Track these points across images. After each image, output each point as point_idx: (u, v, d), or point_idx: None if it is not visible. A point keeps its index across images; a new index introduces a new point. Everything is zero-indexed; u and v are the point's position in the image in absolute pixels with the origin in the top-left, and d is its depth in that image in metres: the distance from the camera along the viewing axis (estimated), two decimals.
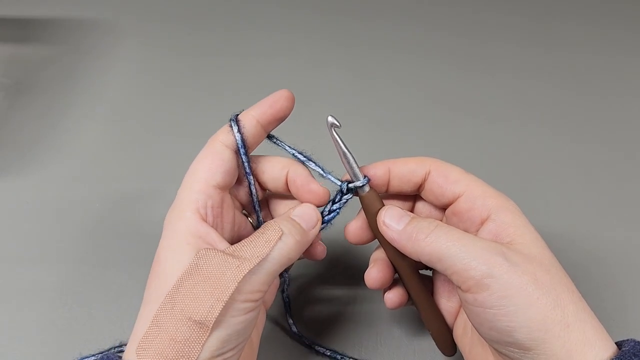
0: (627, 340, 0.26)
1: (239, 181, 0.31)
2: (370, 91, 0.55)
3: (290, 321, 0.37)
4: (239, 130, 0.29)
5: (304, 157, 0.31)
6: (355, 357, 0.37)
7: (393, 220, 0.29)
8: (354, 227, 0.32)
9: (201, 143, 0.49)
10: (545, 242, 0.28)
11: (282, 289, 0.37)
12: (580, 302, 0.26)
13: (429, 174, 0.31)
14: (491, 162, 0.49)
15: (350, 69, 0.57)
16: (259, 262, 0.26)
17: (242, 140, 0.29)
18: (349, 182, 0.31)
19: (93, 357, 0.34)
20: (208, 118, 0.52)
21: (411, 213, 0.30)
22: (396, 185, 0.31)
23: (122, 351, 0.34)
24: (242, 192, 0.31)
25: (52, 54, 0.58)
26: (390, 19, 0.63)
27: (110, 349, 0.35)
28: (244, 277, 0.25)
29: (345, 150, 0.30)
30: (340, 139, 0.30)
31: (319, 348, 0.36)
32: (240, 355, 0.27)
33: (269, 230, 0.27)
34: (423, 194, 0.32)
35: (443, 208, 0.32)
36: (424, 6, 0.65)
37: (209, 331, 0.24)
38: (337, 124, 0.30)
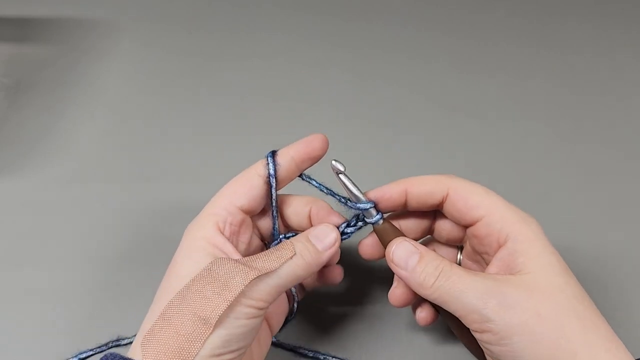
0: None
1: (264, 212, 0.33)
2: (370, 93, 0.55)
3: None
4: (273, 162, 0.31)
5: (328, 190, 0.33)
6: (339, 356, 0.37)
7: (401, 261, 0.30)
8: (368, 244, 0.34)
9: (201, 143, 0.50)
10: (563, 264, 0.29)
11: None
12: (591, 328, 0.27)
13: (447, 195, 0.31)
14: (493, 163, 0.49)
15: (351, 71, 0.57)
16: (267, 272, 0.27)
17: (274, 171, 0.31)
18: (364, 216, 0.32)
19: (91, 352, 0.35)
20: (208, 118, 0.52)
21: (421, 246, 0.31)
22: (414, 206, 0.32)
23: (119, 345, 0.36)
24: (266, 224, 0.33)
25: (52, 54, 0.58)
26: (391, 21, 0.63)
27: (108, 342, 0.36)
28: (250, 282, 0.27)
29: (357, 193, 0.32)
30: (350, 181, 0.32)
31: (302, 350, 0.37)
32: None
33: (283, 248, 0.29)
34: (444, 211, 0.32)
35: (464, 226, 0.32)
36: (426, 8, 0.65)
37: (211, 328, 0.26)
38: (342, 169, 0.31)
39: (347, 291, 0.40)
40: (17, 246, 0.42)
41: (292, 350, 0.37)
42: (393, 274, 0.32)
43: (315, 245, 0.30)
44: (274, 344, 0.37)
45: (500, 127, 0.52)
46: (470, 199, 0.31)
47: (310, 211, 0.33)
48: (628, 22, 0.64)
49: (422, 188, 0.32)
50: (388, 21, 0.63)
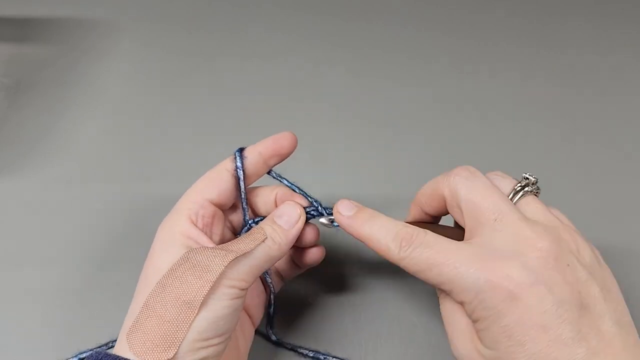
0: None
1: (235, 207, 0.35)
2: (370, 93, 0.55)
3: (270, 330, 0.37)
4: (241, 157, 0.33)
5: (300, 190, 0.34)
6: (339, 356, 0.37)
7: (345, 209, 0.32)
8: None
9: (201, 143, 0.50)
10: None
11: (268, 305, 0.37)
12: None
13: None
14: (493, 163, 0.49)
15: (351, 71, 0.57)
16: (244, 253, 0.28)
17: (242, 165, 0.33)
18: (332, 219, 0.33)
19: (91, 352, 0.35)
20: (208, 118, 0.52)
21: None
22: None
23: None
24: (237, 217, 0.35)
25: (52, 54, 0.58)
26: (391, 21, 0.63)
27: (108, 342, 0.36)
28: (230, 263, 0.27)
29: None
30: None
31: (302, 350, 0.37)
32: (224, 349, 0.28)
33: (255, 232, 0.31)
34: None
35: None
36: (426, 8, 0.65)
37: (196, 310, 0.26)
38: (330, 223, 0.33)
39: (349, 290, 0.40)
40: (17, 246, 0.42)
41: (293, 349, 0.37)
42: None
43: (281, 225, 0.31)
44: (274, 342, 0.37)
45: (500, 127, 0.52)
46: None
47: (276, 196, 0.34)
48: (628, 22, 0.64)
49: (433, 204, 0.32)
50: (388, 21, 0.63)
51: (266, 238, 0.30)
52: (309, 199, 0.34)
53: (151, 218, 0.43)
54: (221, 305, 0.27)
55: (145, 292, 0.28)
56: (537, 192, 0.30)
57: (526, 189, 0.30)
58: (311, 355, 0.37)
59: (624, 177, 0.48)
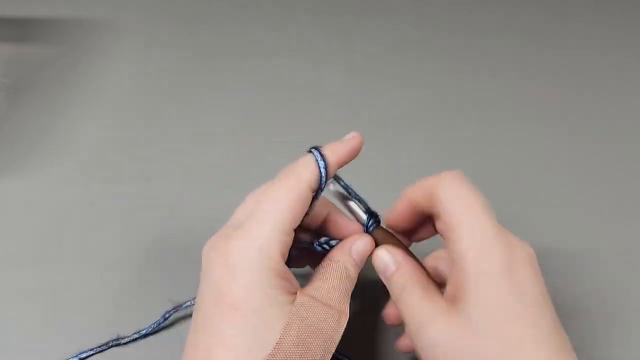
0: None
1: None
2: (371, 92, 0.55)
3: None
4: (326, 169, 0.29)
5: (356, 197, 0.32)
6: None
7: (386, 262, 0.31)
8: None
9: (201, 143, 0.49)
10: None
11: None
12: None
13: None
14: (493, 163, 0.49)
15: (352, 71, 0.57)
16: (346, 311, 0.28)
17: (326, 178, 0.29)
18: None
19: (91, 352, 0.35)
20: (208, 118, 0.52)
21: (398, 255, 0.30)
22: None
23: (119, 344, 0.36)
24: None
25: (52, 54, 0.58)
26: (391, 21, 0.63)
27: (108, 342, 0.36)
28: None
29: (362, 215, 0.32)
30: (357, 204, 0.32)
31: None
32: None
33: (345, 278, 0.29)
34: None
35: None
36: (426, 8, 0.65)
37: None
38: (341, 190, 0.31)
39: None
40: (17, 246, 0.42)
41: None
42: None
43: (357, 262, 0.30)
44: None
45: (500, 127, 0.52)
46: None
47: (327, 215, 0.32)
48: (628, 22, 0.64)
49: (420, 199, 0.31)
50: (388, 21, 0.63)
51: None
52: (368, 212, 0.32)
53: (151, 218, 0.44)
54: None
55: (246, 349, 0.25)
56: None
57: None
58: None
59: (624, 177, 0.48)
